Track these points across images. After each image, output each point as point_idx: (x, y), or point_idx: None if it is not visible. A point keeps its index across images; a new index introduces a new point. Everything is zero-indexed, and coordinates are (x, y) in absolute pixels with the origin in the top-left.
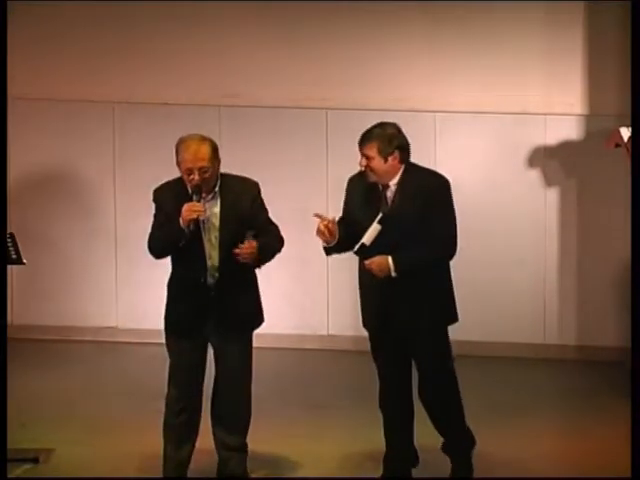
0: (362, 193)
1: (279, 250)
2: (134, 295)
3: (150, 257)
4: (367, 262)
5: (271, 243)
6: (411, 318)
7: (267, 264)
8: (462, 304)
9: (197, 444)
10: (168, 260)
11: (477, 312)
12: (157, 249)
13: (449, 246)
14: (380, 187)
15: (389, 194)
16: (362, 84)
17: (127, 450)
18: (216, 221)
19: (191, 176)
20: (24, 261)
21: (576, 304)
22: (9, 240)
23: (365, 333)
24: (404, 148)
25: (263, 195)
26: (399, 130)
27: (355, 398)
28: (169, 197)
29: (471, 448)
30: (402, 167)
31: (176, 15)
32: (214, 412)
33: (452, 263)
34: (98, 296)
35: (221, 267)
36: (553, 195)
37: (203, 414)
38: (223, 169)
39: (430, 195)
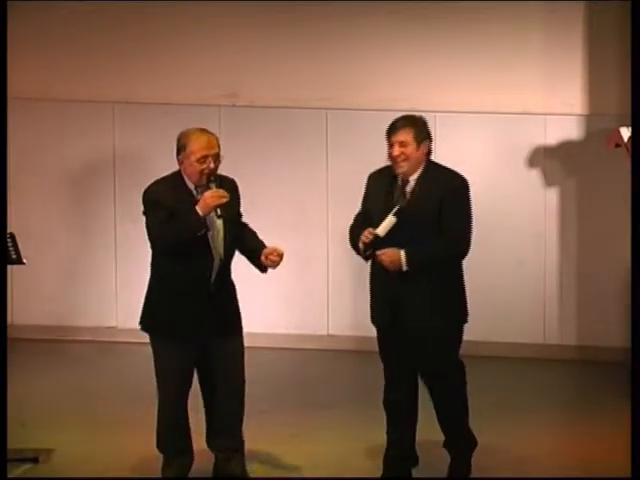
0: (381, 188)
1: None
2: (134, 295)
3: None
4: (379, 253)
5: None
6: (423, 316)
7: None
8: None
9: (197, 444)
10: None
11: (477, 312)
12: (171, 243)
13: (462, 245)
14: (400, 181)
15: (408, 189)
16: (362, 84)
17: (127, 450)
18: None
19: (205, 164)
20: (24, 261)
21: (576, 304)
22: (9, 240)
23: (365, 333)
24: (431, 140)
25: (263, 195)
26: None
27: (355, 398)
28: (168, 192)
29: (472, 449)
30: (424, 162)
31: (176, 15)
32: (213, 415)
33: None
34: (98, 296)
35: (222, 261)
36: (553, 195)
37: (200, 415)
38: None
39: (449, 193)
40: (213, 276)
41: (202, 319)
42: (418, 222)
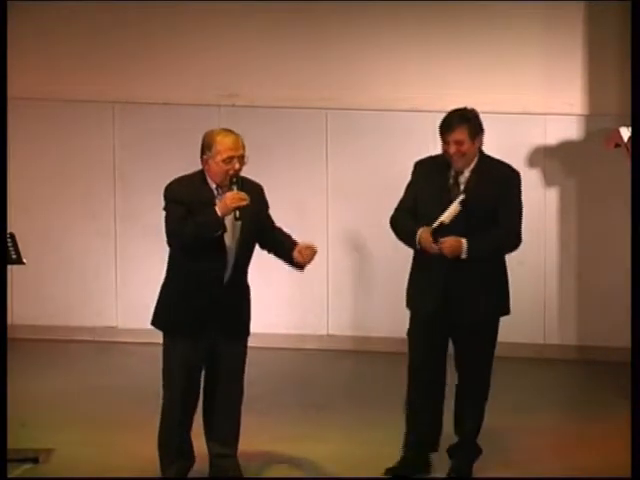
0: (432, 177)
1: None
2: (134, 295)
3: (150, 257)
4: (442, 240)
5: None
6: (473, 305)
7: (267, 264)
8: None
9: (196, 444)
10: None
11: None
12: (187, 240)
13: (516, 237)
14: (453, 172)
15: (462, 179)
16: (362, 84)
17: (127, 450)
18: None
19: (230, 165)
20: (24, 261)
21: (576, 304)
22: (9, 240)
23: (365, 333)
24: (483, 132)
25: None
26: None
27: (354, 398)
28: (189, 190)
29: (476, 456)
30: (478, 154)
31: (176, 15)
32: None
33: None
34: (98, 296)
35: (236, 263)
36: (553, 195)
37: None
38: None
39: (505, 184)
40: (226, 277)
41: (211, 318)
42: (477, 212)
